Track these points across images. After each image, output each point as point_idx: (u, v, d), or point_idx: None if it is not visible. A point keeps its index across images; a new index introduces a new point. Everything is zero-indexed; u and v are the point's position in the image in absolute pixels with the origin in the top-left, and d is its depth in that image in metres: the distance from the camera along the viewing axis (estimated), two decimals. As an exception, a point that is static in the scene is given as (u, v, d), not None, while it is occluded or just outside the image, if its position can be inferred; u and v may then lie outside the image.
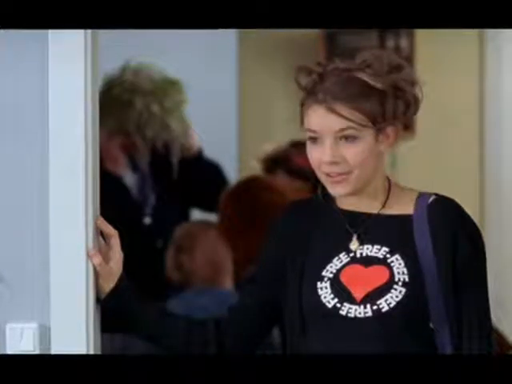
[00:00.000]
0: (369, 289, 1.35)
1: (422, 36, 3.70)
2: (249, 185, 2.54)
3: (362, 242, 1.38)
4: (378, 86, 1.32)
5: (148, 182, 2.86)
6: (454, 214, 1.37)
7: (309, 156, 1.37)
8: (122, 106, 2.74)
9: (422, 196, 1.39)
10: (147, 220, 2.81)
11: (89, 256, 1.39)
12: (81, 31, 1.39)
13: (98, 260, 1.40)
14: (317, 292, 1.36)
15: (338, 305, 1.35)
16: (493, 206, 3.78)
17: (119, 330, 1.67)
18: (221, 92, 3.68)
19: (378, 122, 1.33)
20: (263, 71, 3.78)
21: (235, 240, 2.42)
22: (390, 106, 1.34)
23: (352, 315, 1.34)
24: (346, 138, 1.33)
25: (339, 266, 1.37)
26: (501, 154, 3.73)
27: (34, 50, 1.43)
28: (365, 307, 1.34)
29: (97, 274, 1.41)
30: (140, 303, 1.44)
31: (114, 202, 2.23)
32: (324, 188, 1.38)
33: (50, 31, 1.39)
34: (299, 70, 1.37)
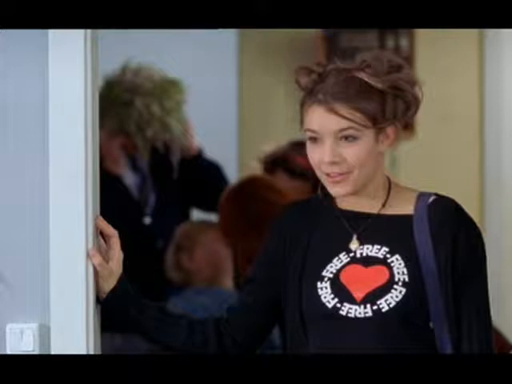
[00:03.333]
0: (369, 289, 1.35)
1: (422, 36, 3.70)
2: (249, 185, 2.54)
3: (361, 242, 1.38)
4: (378, 86, 1.32)
5: (148, 182, 2.86)
6: (454, 213, 1.37)
7: (309, 156, 1.37)
8: (122, 106, 2.74)
9: (421, 196, 1.39)
10: (147, 220, 2.81)
11: (89, 256, 1.39)
12: (81, 31, 1.39)
13: (97, 260, 1.40)
14: (317, 292, 1.36)
15: (338, 305, 1.35)
16: (493, 205, 3.78)
17: (119, 330, 1.67)
18: (221, 92, 3.68)
19: (378, 122, 1.33)
20: (263, 71, 3.78)
21: (235, 240, 2.42)
22: (390, 106, 1.34)
23: (352, 315, 1.34)
24: (346, 137, 1.33)
25: (339, 266, 1.37)
26: (501, 154, 3.73)
27: (34, 51, 1.43)
28: (365, 307, 1.34)
29: (97, 274, 1.41)
30: (140, 303, 1.44)
31: (113, 201, 2.23)
32: (324, 188, 1.38)
33: (50, 32, 1.39)
34: (299, 70, 1.37)
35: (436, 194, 1.40)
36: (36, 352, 1.39)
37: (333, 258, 1.38)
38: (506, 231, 3.69)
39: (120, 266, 1.43)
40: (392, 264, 1.35)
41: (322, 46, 3.74)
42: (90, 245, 1.40)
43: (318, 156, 1.34)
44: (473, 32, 3.65)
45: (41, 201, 1.42)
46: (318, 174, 1.36)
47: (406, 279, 1.34)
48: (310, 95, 1.34)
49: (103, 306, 1.43)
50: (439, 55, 3.72)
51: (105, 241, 1.45)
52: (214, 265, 2.55)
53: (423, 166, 3.75)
